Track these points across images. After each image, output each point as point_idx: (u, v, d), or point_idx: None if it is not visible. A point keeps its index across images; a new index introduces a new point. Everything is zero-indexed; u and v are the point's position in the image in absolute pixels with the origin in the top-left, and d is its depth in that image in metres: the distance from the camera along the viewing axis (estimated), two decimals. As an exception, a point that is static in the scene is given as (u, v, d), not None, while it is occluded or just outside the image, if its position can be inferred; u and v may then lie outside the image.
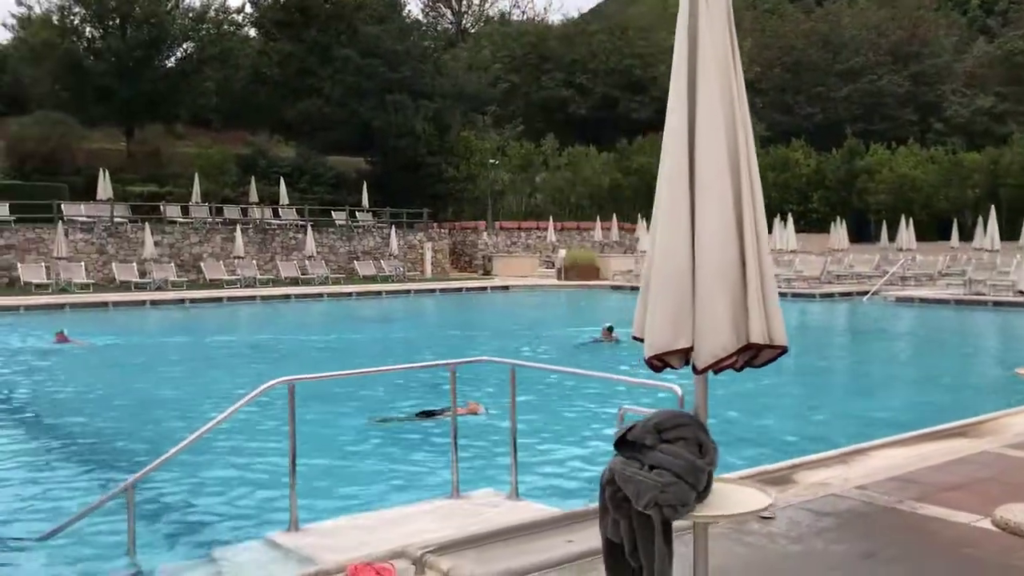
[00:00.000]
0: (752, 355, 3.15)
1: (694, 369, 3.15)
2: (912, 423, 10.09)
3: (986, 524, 6.08)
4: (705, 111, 3.07)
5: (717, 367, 3.09)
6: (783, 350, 3.14)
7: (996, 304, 27.54)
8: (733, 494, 3.31)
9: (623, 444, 3.24)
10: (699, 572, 3.27)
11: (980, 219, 38.53)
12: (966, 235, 42.50)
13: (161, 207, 41.87)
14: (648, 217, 31.97)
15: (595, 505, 6.45)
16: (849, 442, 8.82)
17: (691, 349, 3.10)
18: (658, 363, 3.17)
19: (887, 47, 70.77)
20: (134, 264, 36.87)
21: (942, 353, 20.18)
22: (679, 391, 6.36)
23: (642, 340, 3.26)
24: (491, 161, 52.02)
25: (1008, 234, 39.65)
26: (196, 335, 22.61)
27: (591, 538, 5.84)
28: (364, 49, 53.95)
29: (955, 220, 43.74)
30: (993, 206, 36.18)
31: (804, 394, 14.18)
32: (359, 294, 35.73)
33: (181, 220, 41.42)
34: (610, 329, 19.58)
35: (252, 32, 57.60)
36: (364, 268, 42.53)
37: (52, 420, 12.32)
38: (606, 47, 73.04)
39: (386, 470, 9.22)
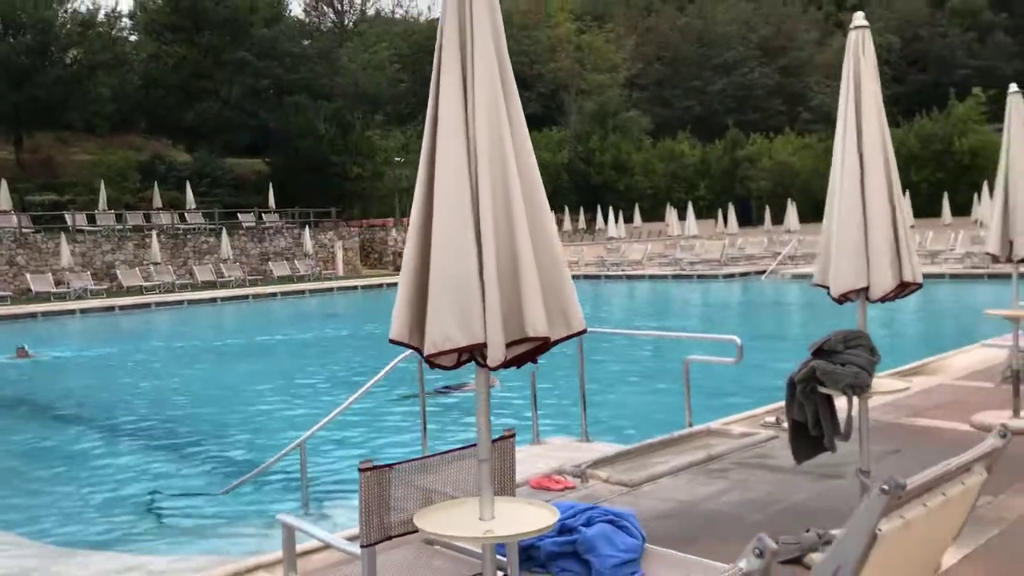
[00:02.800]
0: (901, 290, 4.92)
1: (868, 300, 4.89)
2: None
3: (967, 427, 8.15)
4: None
5: (883, 299, 4.85)
6: (919, 286, 4.92)
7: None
8: (877, 383, 5.09)
9: (819, 353, 4.95)
10: (863, 427, 5.03)
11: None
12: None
13: (68, 216, 41.27)
14: (554, 209, 34.08)
15: (677, 433, 8.22)
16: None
17: (866, 288, 4.84)
18: (842, 299, 4.90)
19: (756, 41, 75.20)
20: (49, 274, 36.52)
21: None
22: (738, 340, 8.15)
23: (824, 287, 5.00)
24: (396, 159, 53.12)
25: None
26: (154, 339, 23.26)
27: (682, 456, 7.62)
28: (260, 51, 54.21)
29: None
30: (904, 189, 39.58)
31: (769, 350, 16.36)
32: (283, 294, 36.50)
33: (88, 228, 41.02)
34: None
35: (143, 37, 56.73)
36: (279, 269, 43.09)
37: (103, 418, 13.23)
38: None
39: (455, 426, 10.71)
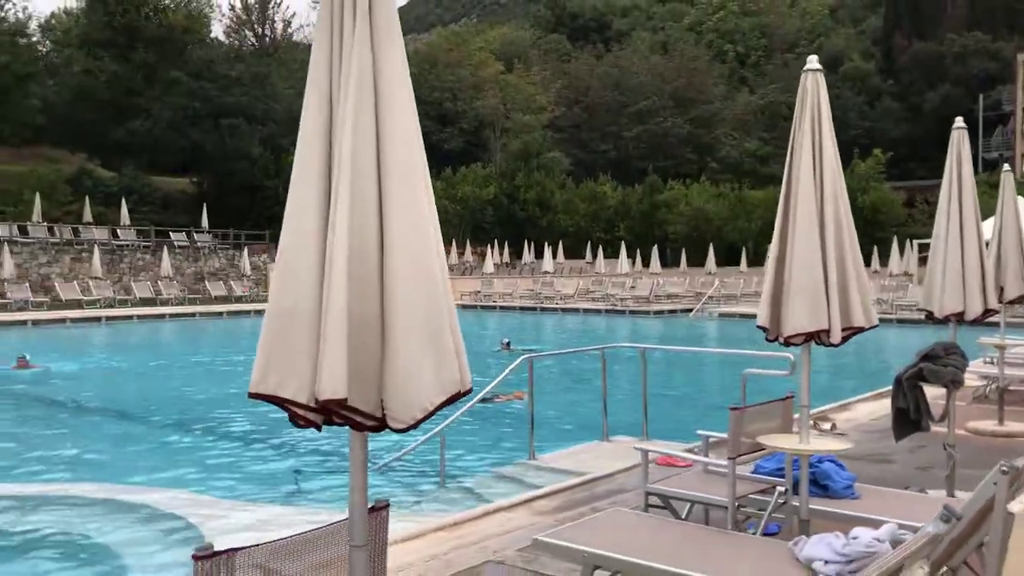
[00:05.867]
0: (985, 315, 6.85)
1: (963, 321, 6.80)
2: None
3: (964, 432, 10.23)
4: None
5: (974, 321, 6.76)
6: (996, 311, 6.86)
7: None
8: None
9: (924, 358, 6.83)
10: (951, 414, 6.93)
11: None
12: (750, 261, 49.60)
13: (8, 227, 40.83)
14: (478, 241, 36.44)
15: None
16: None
17: (962, 312, 6.75)
18: (946, 320, 6.79)
19: (669, 92, 79.10)
20: (-14, 284, 36.22)
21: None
22: (792, 356, 10.01)
23: (928, 311, 6.89)
24: (331, 186, 54.09)
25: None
26: (141, 352, 23.93)
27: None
28: (194, 72, 54.57)
29: (743, 248, 50.73)
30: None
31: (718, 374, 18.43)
32: (228, 313, 37.05)
33: (22, 240, 40.66)
34: (508, 343, 23.03)
35: (76, 51, 56.21)
36: (215, 288, 43.45)
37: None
38: (416, 79, 76.45)
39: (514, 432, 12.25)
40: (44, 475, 10.00)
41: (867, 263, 45.62)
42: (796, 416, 5.63)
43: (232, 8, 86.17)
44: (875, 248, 45.53)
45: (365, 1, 2.36)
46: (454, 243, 52.12)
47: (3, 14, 51.83)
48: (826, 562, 4.17)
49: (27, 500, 8.76)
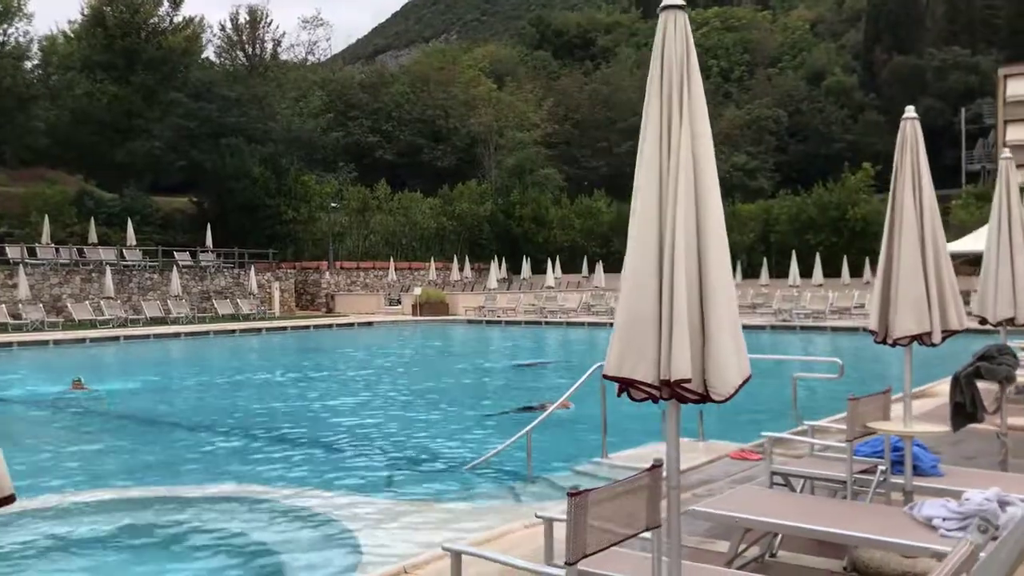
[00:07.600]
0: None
1: (1013, 325, 7.80)
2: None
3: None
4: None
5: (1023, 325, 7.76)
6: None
7: (802, 328, 34.72)
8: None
9: (981, 358, 7.82)
10: (1004, 406, 7.91)
11: (764, 261, 47.06)
12: (744, 273, 50.76)
13: (15, 248, 41.37)
14: (475, 257, 37.45)
15: (794, 430, 10.96)
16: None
17: (1013, 317, 7.75)
18: (997, 324, 7.79)
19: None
20: (3, 305, 36.74)
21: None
22: (839, 361, 11.01)
23: (982, 317, 7.89)
24: (332, 205, 54.91)
25: (777, 272, 48.45)
26: (186, 369, 24.71)
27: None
28: (194, 93, 55.36)
29: (738, 261, 51.85)
30: (802, 251, 44.25)
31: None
32: (241, 331, 37.78)
33: (32, 262, 41.20)
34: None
35: (77, 74, 56.81)
36: (222, 307, 44.13)
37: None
38: (409, 98, 77.69)
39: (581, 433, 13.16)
40: (160, 481, 10.81)
41: (859, 274, 47.30)
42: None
43: (223, 28, 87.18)
44: (867, 260, 46.74)
45: (688, 113, 3.32)
46: (455, 259, 53.02)
47: (5, 38, 52.44)
48: (944, 519, 5.12)
49: (166, 501, 9.61)
